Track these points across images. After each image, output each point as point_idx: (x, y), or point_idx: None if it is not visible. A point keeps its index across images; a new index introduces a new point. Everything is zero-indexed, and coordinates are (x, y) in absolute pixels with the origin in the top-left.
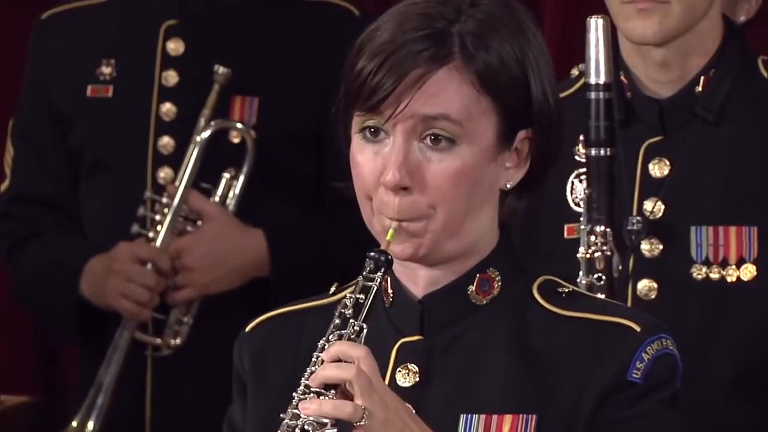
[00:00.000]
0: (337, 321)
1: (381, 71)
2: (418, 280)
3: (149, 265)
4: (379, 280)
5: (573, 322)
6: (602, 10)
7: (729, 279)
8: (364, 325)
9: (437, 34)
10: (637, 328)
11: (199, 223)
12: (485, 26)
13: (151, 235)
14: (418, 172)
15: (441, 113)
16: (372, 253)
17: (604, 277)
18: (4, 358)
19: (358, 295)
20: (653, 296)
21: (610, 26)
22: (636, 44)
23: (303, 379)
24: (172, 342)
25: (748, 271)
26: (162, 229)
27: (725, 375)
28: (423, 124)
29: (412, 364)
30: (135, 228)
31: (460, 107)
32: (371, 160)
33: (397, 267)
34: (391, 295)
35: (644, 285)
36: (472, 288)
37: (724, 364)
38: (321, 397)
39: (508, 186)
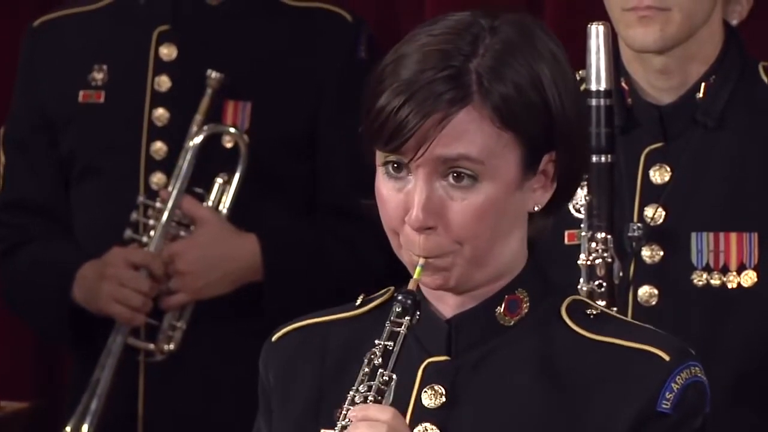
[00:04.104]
0: (366, 369)
1: (402, 112)
2: (447, 301)
3: (142, 270)
4: (407, 325)
5: (600, 347)
6: (603, 17)
7: (730, 285)
8: (394, 376)
9: (456, 74)
10: (666, 357)
11: (193, 228)
12: (501, 57)
13: (144, 240)
14: (441, 211)
15: (462, 154)
16: (400, 297)
17: (605, 284)
18: (4, 364)
19: (386, 342)
20: (654, 303)
21: (610, 33)
22: (637, 51)
23: None
24: (166, 347)
25: (748, 278)
26: (155, 234)
27: (725, 381)
28: (444, 165)
29: (438, 385)
30: (128, 233)
31: (481, 146)
32: (395, 197)
33: (426, 287)
34: (418, 314)
35: (645, 291)
36: (500, 309)
37: (725, 370)
38: None
39: (537, 209)
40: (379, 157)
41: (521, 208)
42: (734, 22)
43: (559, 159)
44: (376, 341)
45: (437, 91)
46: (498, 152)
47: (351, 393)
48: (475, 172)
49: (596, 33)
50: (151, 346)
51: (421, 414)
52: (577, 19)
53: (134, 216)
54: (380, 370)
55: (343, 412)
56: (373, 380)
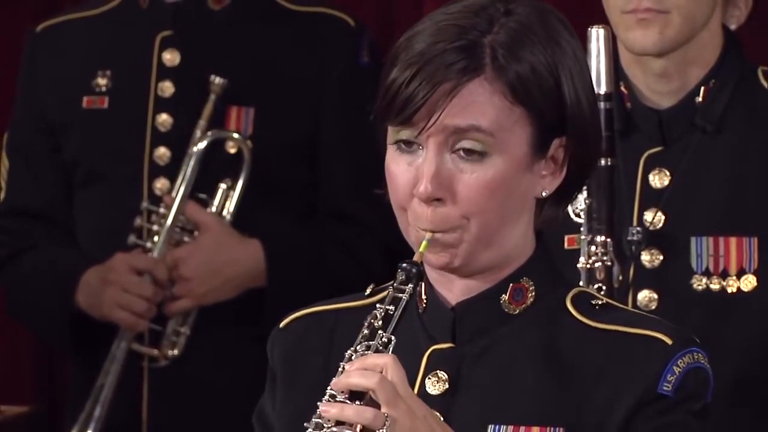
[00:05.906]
0: (366, 331)
1: (413, 83)
2: (453, 288)
3: (146, 276)
4: (409, 292)
5: (604, 335)
6: (603, 20)
7: (729, 290)
8: (393, 337)
9: (469, 46)
10: (669, 341)
11: (196, 233)
12: (517, 36)
13: (148, 245)
14: (450, 184)
15: (472, 125)
16: (404, 265)
17: (604, 288)
18: (5, 369)
19: (387, 307)
20: (653, 307)
21: (610, 36)
22: (636, 54)
23: (329, 388)
24: (170, 353)
25: (748, 282)
26: (159, 240)
27: (724, 385)
28: (454, 136)
29: (442, 372)
30: (132, 239)
31: (492, 118)
32: (405, 172)
33: (432, 273)
34: (425, 301)
35: (644, 296)
36: (504, 297)
37: (724, 374)
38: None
39: (544, 194)
40: (391, 134)
41: (529, 191)
42: (733, 26)
43: (569, 146)
44: (378, 305)
45: (448, 60)
46: (508, 127)
47: (349, 352)
48: (484, 145)
49: (596, 36)
50: (155, 351)
51: (425, 401)
52: (577, 23)
53: (138, 221)
54: (379, 332)
55: (340, 369)
56: (372, 341)
